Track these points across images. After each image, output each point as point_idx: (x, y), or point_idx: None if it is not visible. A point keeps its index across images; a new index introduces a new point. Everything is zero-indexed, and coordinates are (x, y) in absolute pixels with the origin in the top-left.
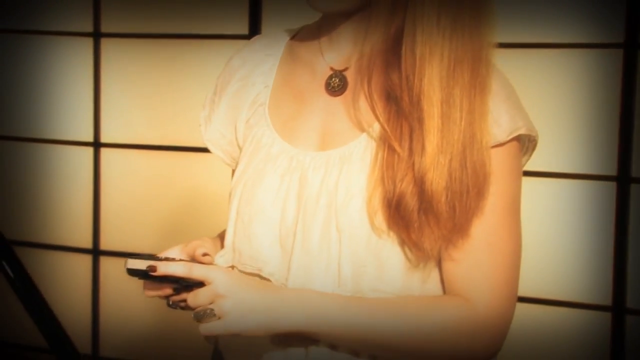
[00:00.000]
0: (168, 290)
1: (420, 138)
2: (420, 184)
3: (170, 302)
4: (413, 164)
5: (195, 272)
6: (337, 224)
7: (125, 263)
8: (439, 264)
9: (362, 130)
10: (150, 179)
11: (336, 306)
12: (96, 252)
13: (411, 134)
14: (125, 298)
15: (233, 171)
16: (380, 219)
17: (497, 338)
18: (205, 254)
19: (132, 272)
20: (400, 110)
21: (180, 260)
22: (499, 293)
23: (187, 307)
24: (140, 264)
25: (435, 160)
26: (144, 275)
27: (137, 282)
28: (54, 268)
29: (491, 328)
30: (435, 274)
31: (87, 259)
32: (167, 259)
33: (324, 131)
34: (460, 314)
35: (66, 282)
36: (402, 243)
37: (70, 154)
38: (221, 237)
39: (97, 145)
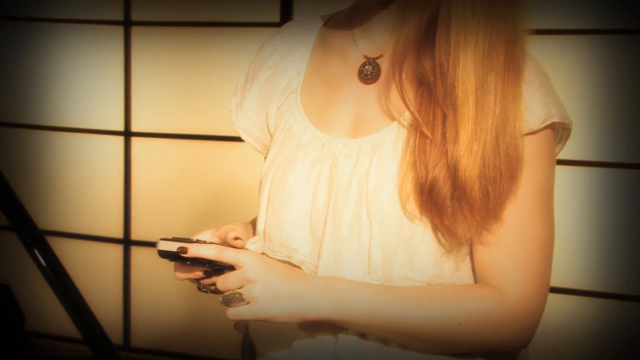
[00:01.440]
0: (198, 273)
1: (453, 125)
2: (453, 170)
3: (201, 286)
4: (446, 151)
5: (225, 255)
6: (368, 210)
7: (157, 244)
8: (471, 252)
9: (395, 117)
10: (181, 168)
11: (365, 294)
12: (127, 241)
13: (444, 121)
14: (157, 288)
15: (264, 159)
16: (413, 205)
17: (528, 328)
18: (236, 238)
19: (163, 254)
20: (433, 97)
21: (211, 243)
22: (531, 282)
23: (217, 291)
24: (171, 246)
25: (469, 148)
26: (175, 257)
27: (168, 272)
28: (85, 258)
29: (522, 318)
30: (466, 263)
31: (118, 249)
32: (198, 242)
33: (356, 118)
34: (491, 303)
35: (97, 272)
36: (435, 229)
37: (101, 143)
38: (253, 223)
39: (127, 134)
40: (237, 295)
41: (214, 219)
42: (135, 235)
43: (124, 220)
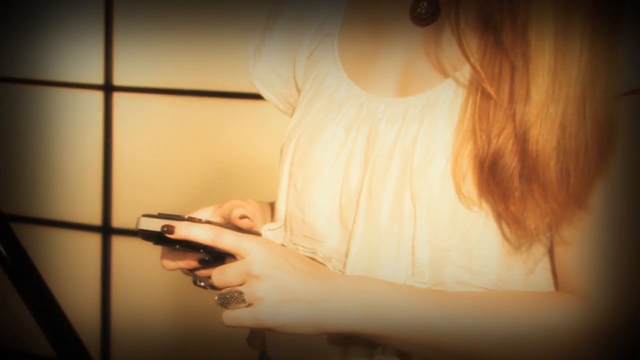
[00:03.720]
0: (192, 262)
1: (524, 81)
2: (522, 141)
3: (197, 279)
4: (514, 114)
5: (223, 239)
6: (412, 191)
7: (137, 222)
8: (551, 251)
9: (453, 70)
10: (176, 134)
11: (407, 302)
12: (107, 229)
13: (512, 75)
14: (142, 287)
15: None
16: (470, 185)
17: (620, 350)
18: (243, 216)
19: (145, 235)
20: (499, 44)
21: (208, 222)
22: (627, 291)
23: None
24: (155, 224)
25: (544, 111)
26: (160, 239)
27: (155, 265)
28: (55, 250)
29: (614, 337)
30: (544, 265)
31: (96, 239)
32: (190, 219)
33: (405, 72)
34: (573, 317)
35: (71, 266)
36: (499, 218)
37: (74, 100)
38: (272, 204)
39: (108, 88)
40: (236, 294)
41: (218, 199)
42: (116, 221)
43: (102, 203)
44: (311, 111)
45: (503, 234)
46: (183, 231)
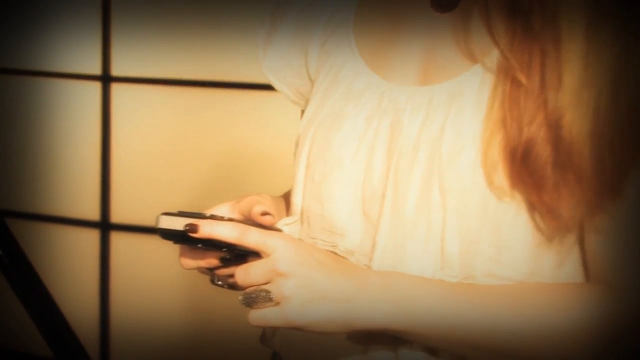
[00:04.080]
0: (213, 261)
1: (555, 66)
2: (555, 128)
3: (215, 278)
4: (545, 102)
5: (249, 237)
6: (441, 183)
7: (157, 221)
8: (581, 241)
9: (478, 57)
10: (177, 126)
11: (438, 296)
12: (105, 225)
13: (543, 61)
14: (143, 286)
15: (302, 113)
16: (501, 176)
17: None
18: (265, 213)
19: (166, 234)
20: (528, 29)
21: (230, 219)
22: None
23: (236, 286)
24: (177, 223)
25: (577, 97)
26: (182, 238)
27: (159, 265)
28: (52, 246)
29: None
30: (574, 255)
31: (94, 235)
32: (213, 217)
33: (427, 59)
34: (605, 308)
35: (68, 264)
36: (532, 209)
37: (72, 91)
38: (287, 198)
39: (106, 79)
40: (262, 294)
41: (223, 195)
42: (115, 217)
43: (100, 198)
44: (328, 102)
45: (536, 224)
46: (207, 230)
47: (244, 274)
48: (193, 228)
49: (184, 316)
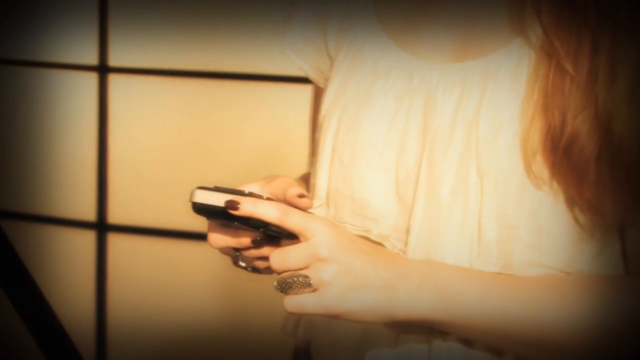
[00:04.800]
0: (244, 241)
1: (609, 61)
2: (606, 123)
3: (239, 259)
4: (596, 95)
5: (292, 219)
6: (478, 164)
7: (193, 195)
8: (621, 232)
9: (517, 33)
10: (178, 120)
11: (480, 287)
12: (102, 226)
13: (594, 53)
14: (142, 289)
15: (324, 94)
16: (541, 165)
17: None
18: (301, 195)
19: (201, 209)
20: (577, 13)
21: (269, 199)
22: None
23: (264, 270)
24: (216, 198)
25: (631, 95)
26: (218, 214)
27: (158, 267)
28: (46, 248)
29: None
30: (613, 243)
31: (90, 236)
32: (252, 195)
33: (460, 34)
34: None
35: (63, 266)
36: (571, 203)
37: (67, 82)
38: (305, 179)
39: (103, 69)
40: (300, 279)
41: None
42: (113, 217)
43: (97, 197)
44: (353, 81)
45: (575, 217)
46: (249, 207)
47: (280, 257)
48: (234, 205)
49: (184, 321)
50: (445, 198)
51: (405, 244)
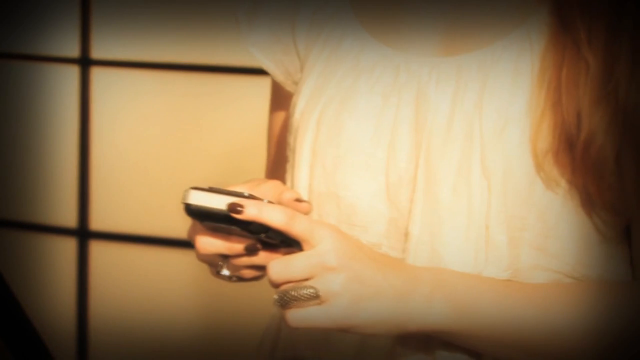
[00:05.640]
0: (235, 248)
1: (626, 45)
2: (630, 116)
3: (224, 267)
4: (615, 89)
5: (298, 224)
6: (483, 163)
7: (186, 196)
8: (628, 235)
9: (518, 21)
10: (167, 117)
11: (494, 295)
12: (84, 233)
13: (610, 35)
14: (123, 298)
15: (295, 95)
16: (552, 163)
17: None
18: (299, 200)
19: (196, 212)
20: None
21: (270, 202)
22: None
23: (244, 278)
24: (215, 200)
25: None
26: (214, 217)
27: (139, 274)
28: (22, 256)
29: None
30: (622, 247)
31: (71, 244)
32: (252, 197)
33: (447, 27)
34: None
35: (42, 275)
36: (587, 202)
37: (48, 75)
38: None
39: (85, 62)
40: (306, 291)
41: None
42: (95, 223)
43: (78, 201)
44: (333, 78)
45: (590, 218)
46: (253, 211)
47: (282, 267)
48: (236, 208)
49: (168, 333)
50: (446, 200)
51: (404, 251)
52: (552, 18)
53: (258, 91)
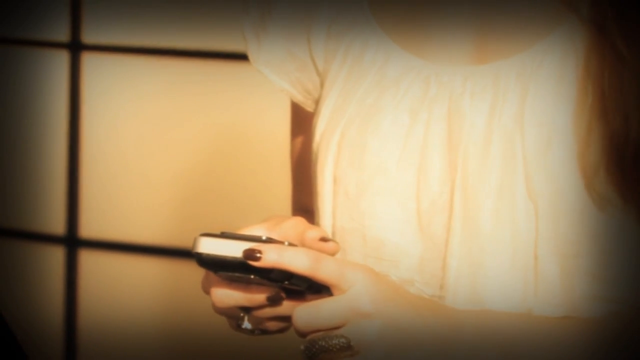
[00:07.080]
0: (257, 298)
1: None
2: None
3: (245, 322)
4: None
5: (325, 268)
6: (527, 182)
7: (197, 244)
8: None
9: (556, 22)
10: (163, 108)
11: (549, 340)
12: (72, 241)
13: None
14: (113, 308)
15: (315, 115)
16: (604, 180)
17: None
18: (324, 239)
19: (210, 262)
20: None
21: (291, 244)
22: None
23: (269, 330)
24: (229, 248)
25: None
26: (230, 266)
27: (129, 284)
28: (9, 264)
29: None
30: None
31: (59, 252)
32: (271, 241)
33: (479, 31)
34: None
35: (28, 285)
36: None
37: (36, 60)
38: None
39: (75, 46)
40: (337, 341)
41: (223, 202)
42: (85, 230)
43: (66, 206)
44: (355, 95)
45: None
46: (273, 257)
47: (309, 314)
48: (254, 255)
49: (161, 344)
50: (487, 227)
51: (441, 288)
52: (590, 14)
53: (255, 78)
